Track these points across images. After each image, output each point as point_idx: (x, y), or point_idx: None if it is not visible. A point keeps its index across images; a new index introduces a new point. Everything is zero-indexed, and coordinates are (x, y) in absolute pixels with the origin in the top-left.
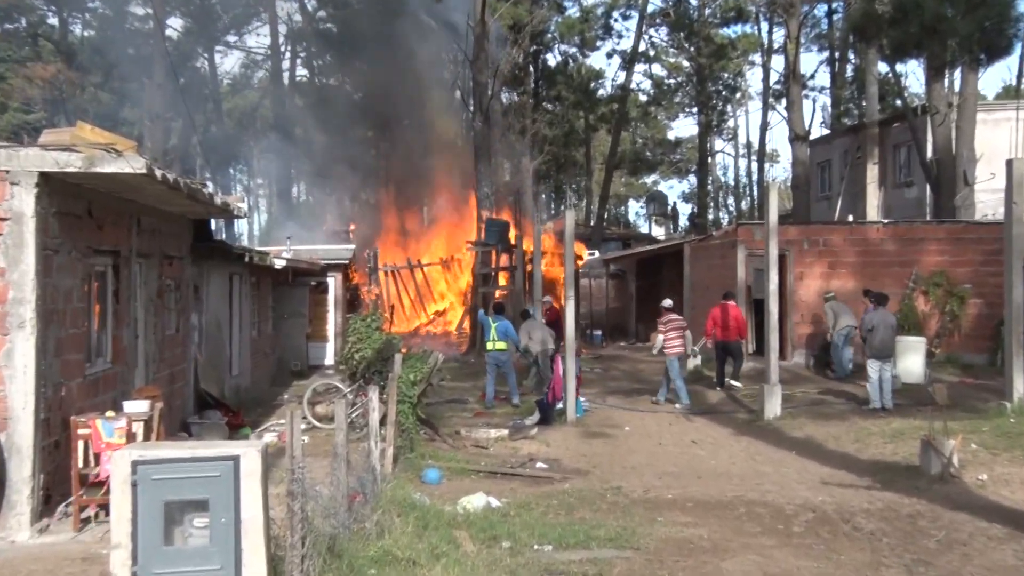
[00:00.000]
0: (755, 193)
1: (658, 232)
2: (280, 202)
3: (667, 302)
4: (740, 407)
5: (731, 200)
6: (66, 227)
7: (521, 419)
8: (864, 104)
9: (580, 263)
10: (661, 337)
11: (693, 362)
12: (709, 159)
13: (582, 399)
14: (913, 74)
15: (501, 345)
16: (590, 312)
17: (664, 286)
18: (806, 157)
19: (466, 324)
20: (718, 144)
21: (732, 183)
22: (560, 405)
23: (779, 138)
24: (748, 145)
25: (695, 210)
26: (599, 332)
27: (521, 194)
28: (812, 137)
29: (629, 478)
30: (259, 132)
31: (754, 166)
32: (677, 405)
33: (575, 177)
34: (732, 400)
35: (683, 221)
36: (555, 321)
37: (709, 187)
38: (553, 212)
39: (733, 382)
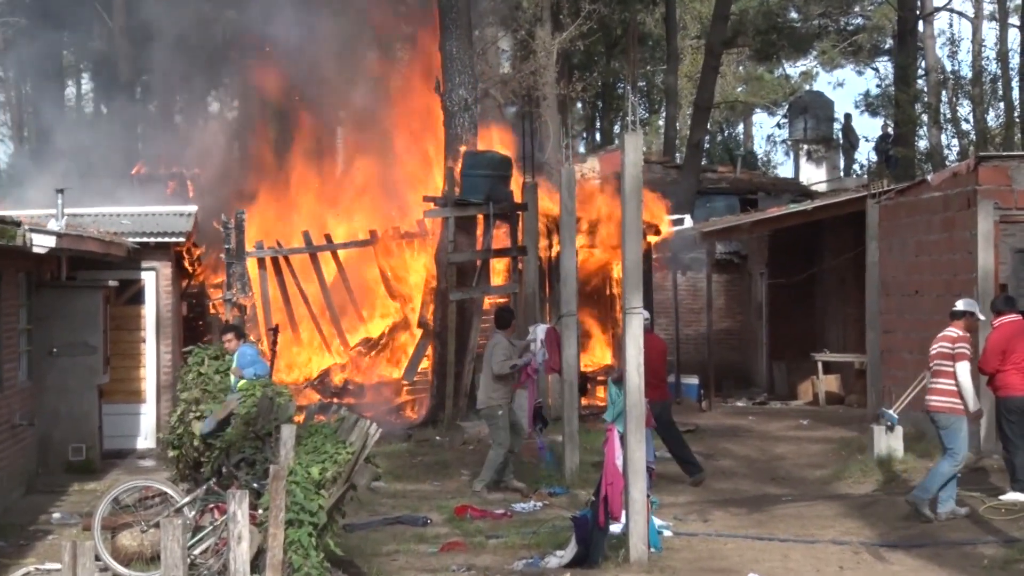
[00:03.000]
0: (1015, 95)
1: (814, 176)
2: (40, 120)
3: (969, 304)
4: (984, 532)
5: (965, 109)
6: None
7: (538, 556)
8: None
9: (655, 240)
10: (965, 370)
11: (882, 439)
12: (920, 26)
13: (659, 521)
14: None
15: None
16: (675, 339)
17: (825, 286)
18: None
19: (425, 363)
20: None
21: (967, 75)
22: (618, 527)
23: None
24: None
25: (890, 130)
26: (694, 380)
27: (536, 103)
28: None
29: None
30: None
31: (1014, 39)
32: (941, 511)
33: (644, 67)
34: (969, 519)
35: (864, 154)
36: None
37: (920, 83)
38: (599, 139)
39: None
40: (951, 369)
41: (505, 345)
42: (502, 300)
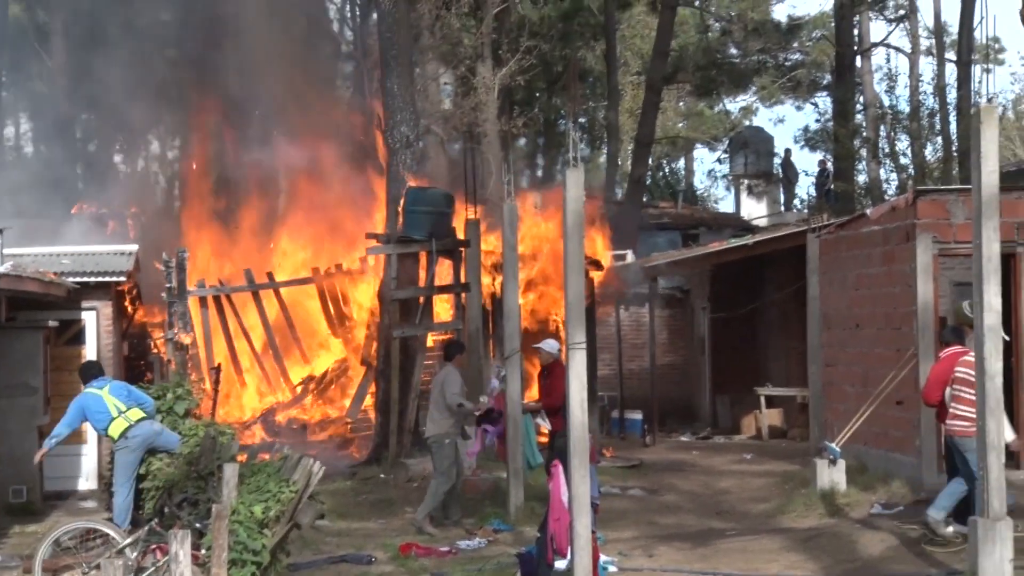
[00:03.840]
0: (952, 129)
1: (754, 210)
2: None
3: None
4: (927, 565)
5: (903, 144)
6: None
7: None
8: None
9: (598, 276)
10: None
11: (825, 473)
12: (858, 61)
13: (604, 556)
14: None
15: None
16: (619, 374)
17: (767, 320)
18: None
19: (368, 400)
20: (876, 30)
21: (905, 110)
22: (563, 563)
23: (1005, 18)
24: (938, 31)
25: (828, 166)
26: (638, 415)
27: (477, 139)
28: None
29: None
30: None
31: (951, 73)
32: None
33: (585, 103)
34: (913, 548)
35: (804, 188)
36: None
37: (859, 118)
38: (541, 174)
39: (956, 528)
40: (970, 396)
41: (457, 376)
42: (445, 337)
